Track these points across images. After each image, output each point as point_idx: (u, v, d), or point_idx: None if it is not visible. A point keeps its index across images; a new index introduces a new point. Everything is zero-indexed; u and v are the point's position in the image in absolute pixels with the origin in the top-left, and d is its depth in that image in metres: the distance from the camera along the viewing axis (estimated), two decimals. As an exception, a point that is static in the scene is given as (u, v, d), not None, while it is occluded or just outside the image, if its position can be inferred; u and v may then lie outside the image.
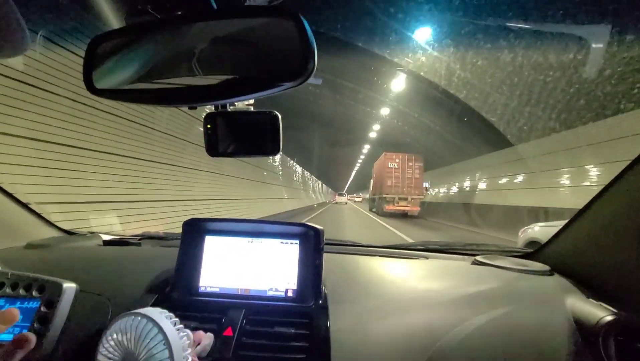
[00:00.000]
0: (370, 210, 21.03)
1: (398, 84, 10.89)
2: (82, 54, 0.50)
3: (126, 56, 0.51)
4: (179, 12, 0.48)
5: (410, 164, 16.20)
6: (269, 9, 0.43)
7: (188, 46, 0.49)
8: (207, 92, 0.46)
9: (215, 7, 0.47)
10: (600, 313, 0.68)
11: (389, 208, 15.70)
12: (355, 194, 72.43)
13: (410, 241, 4.43)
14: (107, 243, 1.26)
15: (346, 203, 36.95)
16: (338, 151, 35.04)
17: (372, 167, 22.07)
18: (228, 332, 0.68)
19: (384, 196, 16.04)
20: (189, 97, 0.49)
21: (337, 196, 41.76)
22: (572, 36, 5.29)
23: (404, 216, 15.75)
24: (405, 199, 15.63)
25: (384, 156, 16.90)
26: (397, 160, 16.32)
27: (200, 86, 0.47)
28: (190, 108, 0.55)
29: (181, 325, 0.55)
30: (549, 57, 5.99)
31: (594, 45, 5.10)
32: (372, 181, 21.71)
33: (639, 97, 5.92)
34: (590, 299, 0.75)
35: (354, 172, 61.13)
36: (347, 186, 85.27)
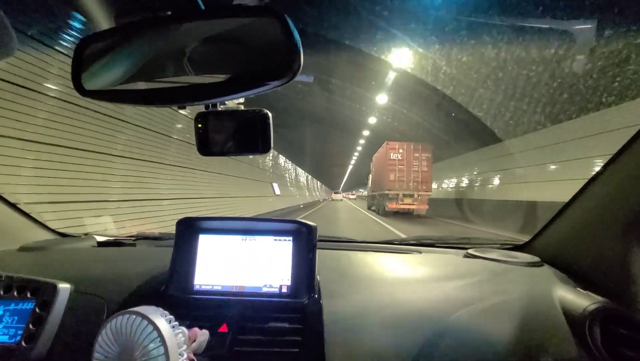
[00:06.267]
0: (369, 208, 18.87)
1: (390, 82, 10.79)
2: (70, 53, 0.50)
3: (115, 57, 0.51)
4: (167, 13, 0.48)
5: (417, 154, 13.58)
6: (255, 9, 0.44)
7: (176, 46, 0.49)
8: (195, 92, 0.47)
9: (202, 7, 0.47)
10: (586, 301, 0.70)
11: (391, 206, 13.44)
12: (350, 192, 75.64)
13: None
14: (101, 244, 1.25)
15: (341, 200, 39.60)
16: (333, 152, 36.23)
17: (365, 166, 20.53)
18: (223, 328, 0.69)
19: (386, 192, 13.65)
20: (178, 97, 0.50)
21: (333, 194, 46.98)
22: (555, 31, 5.39)
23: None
24: (411, 196, 13.24)
25: (385, 145, 14.27)
26: (401, 150, 13.68)
27: (189, 86, 0.47)
28: (179, 108, 0.55)
29: (176, 323, 0.55)
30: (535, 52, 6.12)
31: (579, 40, 5.20)
32: (370, 176, 19.27)
33: (619, 90, 6.06)
34: (578, 289, 0.77)
35: (348, 172, 62.68)
36: (342, 184, 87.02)
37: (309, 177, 38.46)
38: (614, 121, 6.30)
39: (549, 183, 8.21)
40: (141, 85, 0.51)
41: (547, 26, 5.23)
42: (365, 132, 22.47)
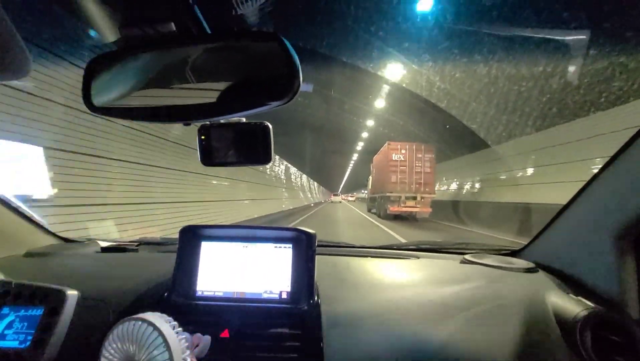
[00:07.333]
0: (369, 211, 18.45)
1: (385, 94, 11.14)
2: (75, 62, 0.52)
3: (123, 75, 0.54)
4: (174, 32, 0.50)
5: (420, 155, 13.10)
6: (258, 34, 0.46)
7: (182, 66, 0.52)
8: (200, 110, 0.49)
9: (208, 30, 0.50)
10: (578, 307, 0.72)
11: (393, 209, 12.92)
12: (349, 194, 78.19)
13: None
14: (105, 249, 1.27)
15: (340, 202, 40.78)
16: (332, 158, 36.90)
17: (363, 169, 20.21)
18: (225, 334, 0.71)
19: (388, 195, 13.11)
20: (183, 114, 0.52)
21: (332, 196, 48.28)
22: (546, 47, 5.55)
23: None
24: (414, 198, 12.73)
25: (387, 146, 13.66)
26: (404, 151, 13.17)
27: (193, 104, 0.50)
28: (184, 125, 0.58)
29: (180, 329, 0.57)
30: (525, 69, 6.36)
31: (571, 54, 5.33)
32: (370, 177, 18.66)
33: (606, 105, 6.37)
34: (570, 295, 0.78)
35: (347, 175, 63.74)
36: (341, 186, 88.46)
37: (297, 172, 32.58)
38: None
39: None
40: (148, 102, 0.53)
41: (540, 36, 5.37)
42: (360, 144, 23.02)
